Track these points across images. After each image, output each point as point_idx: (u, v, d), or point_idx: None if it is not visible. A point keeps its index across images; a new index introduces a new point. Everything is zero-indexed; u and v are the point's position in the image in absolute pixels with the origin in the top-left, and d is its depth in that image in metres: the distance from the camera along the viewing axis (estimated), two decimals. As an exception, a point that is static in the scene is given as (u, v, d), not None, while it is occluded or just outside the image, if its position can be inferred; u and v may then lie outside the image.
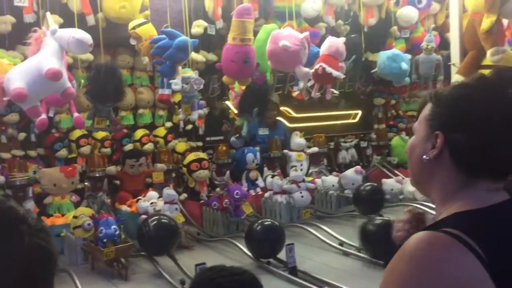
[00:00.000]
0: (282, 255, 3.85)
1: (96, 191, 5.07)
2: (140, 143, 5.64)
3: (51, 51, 3.78)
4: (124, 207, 4.91)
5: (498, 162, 1.01)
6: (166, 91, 4.74)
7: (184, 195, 5.42)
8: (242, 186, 5.23)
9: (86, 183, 5.20)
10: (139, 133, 5.71)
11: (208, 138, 6.15)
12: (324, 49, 5.24)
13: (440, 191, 1.05)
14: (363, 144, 7.17)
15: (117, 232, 3.92)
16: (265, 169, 6.05)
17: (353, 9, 6.56)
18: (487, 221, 0.97)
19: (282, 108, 6.68)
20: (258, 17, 5.88)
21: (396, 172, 6.49)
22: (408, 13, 6.64)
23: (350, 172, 5.63)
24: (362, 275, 3.77)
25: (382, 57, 6.13)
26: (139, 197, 4.77)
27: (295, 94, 5.54)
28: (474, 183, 1.02)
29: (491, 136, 0.99)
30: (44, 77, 3.60)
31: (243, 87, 5.32)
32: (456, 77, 6.00)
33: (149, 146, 5.64)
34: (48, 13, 4.13)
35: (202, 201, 5.26)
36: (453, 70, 6.23)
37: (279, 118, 6.50)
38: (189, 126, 5.81)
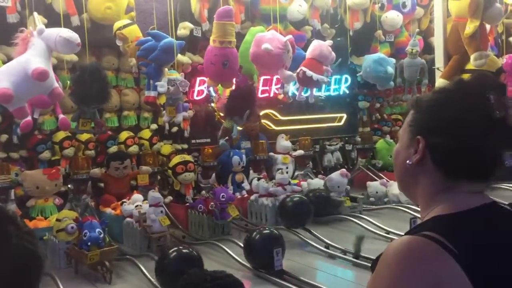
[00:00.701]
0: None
1: (80, 194, 5.01)
2: (125, 145, 5.58)
3: (38, 51, 3.73)
4: (109, 210, 4.86)
5: (476, 165, 1.02)
6: (152, 93, 4.72)
7: (170, 198, 5.38)
8: (228, 189, 5.21)
9: (69, 186, 5.14)
10: (124, 135, 5.65)
11: (193, 141, 6.12)
12: (308, 52, 5.26)
13: (423, 195, 1.07)
14: (348, 147, 7.21)
15: (102, 235, 3.87)
16: (251, 171, 6.04)
17: (339, 13, 6.61)
18: (466, 224, 0.99)
19: (267, 111, 6.68)
20: (244, 19, 5.89)
21: (381, 175, 6.54)
22: (393, 17, 6.71)
23: (335, 175, 5.65)
24: (348, 277, 3.78)
25: (367, 60, 6.18)
26: (124, 200, 4.73)
27: (280, 97, 5.55)
28: (455, 186, 1.03)
29: (469, 139, 1.00)
30: (30, 78, 3.55)
31: (227, 91, 5.32)
32: (440, 81, 6.10)
33: (134, 149, 5.58)
34: (35, 13, 4.08)
35: (188, 204, 5.23)
36: (437, 74, 6.32)
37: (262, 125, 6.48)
38: (175, 129, 5.77)
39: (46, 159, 5.14)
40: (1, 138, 4.96)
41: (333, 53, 5.20)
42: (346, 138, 7.33)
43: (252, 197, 5.42)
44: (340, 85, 7.17)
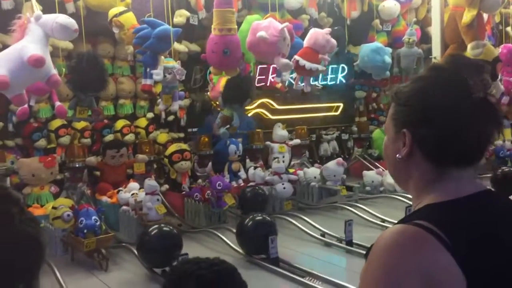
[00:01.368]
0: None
1: (76, 182, 5.01)
2: (121, 134, 5.57)
3: (35, 37, 3.70)
4: (105, 198, 4.86)
5: (464, 149, 1.01)
6: (148, 81, 4.69)
7: (166, 186, 5.39)
8: (224, 178, 5.22)
9: (65, 174, 5.13)
10: (120, 123, 5.64)
11: (190, 130, 6.11)
12: (305, 41, 5.24)
13: (415, 186, 1.06)
14: (345, 136, 7.22)
15: (98, 223, 3.87)
16: (248, 160, 6.04)
17: (336, 2, 6.58)
18: (457, 212, 0.98)
19: (264, 100, 6.67)
20: (242, 8, 5.85)
21: (377, 164, 6.56)
22: (390, 7, 6.69)
23: (332, 164, 5.66)
24: (343, 265, 3.81)
25: (365, 50, 6.16)
26: (120, 188, 4.73)
27: (278, 85, 5.53)
28: (445, 175, 1.02)
29: (453, 125, 0.99)
30: (27, 64, 3.53)
31: (224, 80, 5.29)
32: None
33: (130, 137, 5.57)
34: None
35: (184, 192, 5.23)
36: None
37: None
38: (171, 117, 5.76)
39: (42, 147, 5.13)
40: (-4, 126, 4.94)
41: (332, 41, 5.13)
42: (343, 128, 7.33)
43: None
44: (337, 75, 7.15)
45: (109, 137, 5.50)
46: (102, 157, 5.18)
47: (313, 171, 5.76)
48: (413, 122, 1.03)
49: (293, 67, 5.11)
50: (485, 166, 5.61)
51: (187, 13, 5.40)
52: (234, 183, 5.50)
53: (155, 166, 5.61)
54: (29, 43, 3.70)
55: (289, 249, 4.05)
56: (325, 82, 7.02)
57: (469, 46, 5.62)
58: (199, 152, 5.72)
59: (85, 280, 3.63)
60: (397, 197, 5.33)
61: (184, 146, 5.50)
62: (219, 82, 5.42)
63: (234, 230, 4.18)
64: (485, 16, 6.01)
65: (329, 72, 6.98)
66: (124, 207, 4.58)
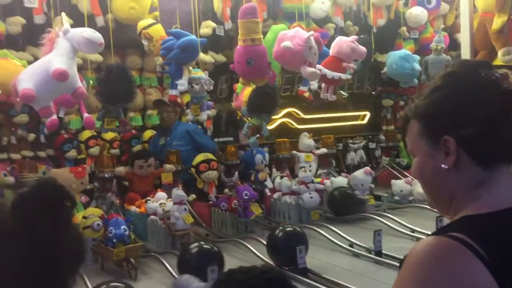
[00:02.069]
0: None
1: (105, 192, 5.08)
2: (149, 144, 5.64)
3: (62, 51, 3.79)
4: (133, 208, 4.91)
5: (509, 140, 0.99)
6: (173, 92, 4.74)
7: (193, 196, 5.41)
8: (250, 187, 5.21)
9: (95, 184, 5.21)
10: (148, 134, 5.71)
11: (216, 139, 6.14)
12: (330, 50, 5.22)
13: (457, 196, 1.02)
14: (372, 145, 7.14)
15: (127, 232, 3.92)
16: (274, 170, 6.03)
17: (362, 10, 6.54)
18: (496, 226, 0.94)
19: (290, 109, 6.66)
20: (267, 17, 5.88)
21: (405, 173, 6.45)
22: (417, 13, 6.62)
23: (359, 173, 5.59)
24: (373, 276, 3.74)
25: (393, 57, 6.10)
26: (148, 198, 4.77)
27: (306, 94, 5.51)
28: (492, 179, 0.99)
29: (492, 116, 0.98)
30: (52, 77, 3.61)
31: (248, 90, 5.30)
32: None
33: (157, 147, 5.63)
34: (63, 14, 4.13)
35: (211, 202, 5.24)
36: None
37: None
38: (198, 127, 5.80)
39: (72, 157, 5.23)
40: (28, 137, 5.06)
41: (359, 48, 5.06)
42: (370, 137, 7.25)
43: (275, 195, 5.41)
44: (363, 83, 7.10)
45: (137, 148, 5.57)
46: (131, 167, 5.25)
47: (340, 181, 5.71)
48: (452, 127, 1.00)
49: (319, 76, 5.08)
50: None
51: (213, 24, 5.46)
52: (260, 193, 5.48)
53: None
54: (56, 57, 3.78)
55: (317, 259, 4.00)
56: (351, 91, 6.97)
57: (499, 53, 5.51)
58: (226, 162, 5.74)
59: (114, 289, 3.66)
60: (427, 207, 5.21)
61: (210, 155, 5.53)
62: (243, 92, 5.44)
63: (261, 240, 4.17)
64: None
65: (356, 81, 6.93)
66: (152, 217, 4.62)
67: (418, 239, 4.35)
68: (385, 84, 7.18)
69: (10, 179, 4.56)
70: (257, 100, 5.12)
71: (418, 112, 1.05)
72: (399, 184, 5.88)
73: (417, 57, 6.16)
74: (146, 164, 5.19)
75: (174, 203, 4.51)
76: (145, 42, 4.96)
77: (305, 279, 3.56)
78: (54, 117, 4.08)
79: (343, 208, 5.23)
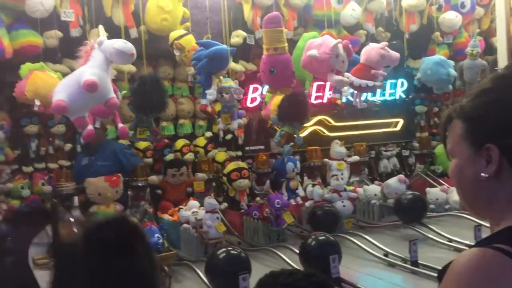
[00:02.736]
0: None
1: (139, 200, 5.15)
2: (181, 153, 5.69)
3: (96, 62, 3.89)
4: (166, 216, 4.96)
5: None
6: (203, 101, 4.79)
7: (225, 205, 5.43)
8: (282, 195, 5.19)
9: (129, 193, 5.29)
10: (180, 143, 5.77)
11: (247, 148, 6.15)
12: (360, 57, 5.17)
13: (498, 206, 0.98)
14: (405, 152, 7.00)
15: (161, 241, 3.96)
16: (305, 178, 5.99)
17: (394, 16, 6.46)
18: None
19: (321, 117, 6.62)
20: (297, 26, 5.88)
21: (441, 181, 6.30)
22: (451, 18, 6.49)
23: (393, 181, 5.50)
24: (409, 287, 3.65)
25: (427, 63, 6.00)
26: (181, 206, 4.82)
27: (338, 102, 5.47)
28: None
29: None
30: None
31: (277, 98, 5.30)
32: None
33: (189, 156, 5.68)
34: (100, 26, 4.24)
35: (243, 210, 5.25)
36: (500, 75, 6.01)
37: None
38: (229, 136, 5.83)
39: (107, 167, 5.32)
40: (65, 147, 5.20)
41: (389, 55, 4.98)
42: (403, 144, 7.12)
43: (307, 204, 5.37)
44: (396, 89, 6.99)
45: (170, 157, 5.63)
46: (163, 176, 5.31)
47: (373, 189, 5.63)
48: (496, 135, 0.96)
49: (348, 83, 5.04)
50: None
51: (244, 33, 5.49)
52: (292, 201, 5.46)
53: (214, 184, 5.68)
54: (88, 68, 3.88)
55: (351, 269, 3.94)
56: (384, 98, 6.88)
57: (538, 56, 5.35)
58: (257, 170, 5.74)
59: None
60: (464, 215, 5.08)
61: (242, 164, 5.54)
62: (271, 101, 5.45)
63: (294, 249, 4.14)
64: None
65: (388, 87, 6.84)
66: (185, 225, 4.65)
67: (455, 248, 4.24)
68: (418, 90, 7.06)
69: (48, 188, 4.68)
70: (289, 109, 5.11)
71: (463, 113, 1.02)
72: (434, 192, 5.75)
73: (452, 62, 6.03)
74: (179, 172, 5.25)
75: (207, 212, 4.53)
76: (176, 53, 5.03)
77: (338, 289, 3.51)
78: (90, 127, 4.17)
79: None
